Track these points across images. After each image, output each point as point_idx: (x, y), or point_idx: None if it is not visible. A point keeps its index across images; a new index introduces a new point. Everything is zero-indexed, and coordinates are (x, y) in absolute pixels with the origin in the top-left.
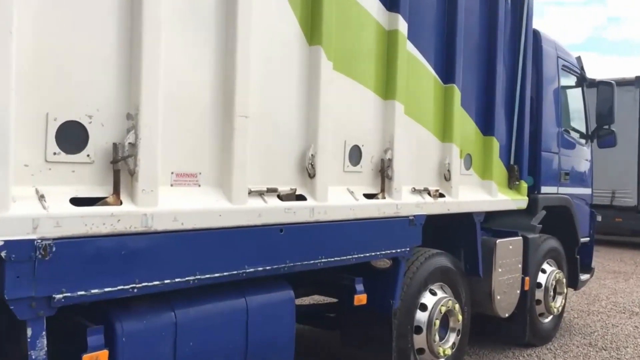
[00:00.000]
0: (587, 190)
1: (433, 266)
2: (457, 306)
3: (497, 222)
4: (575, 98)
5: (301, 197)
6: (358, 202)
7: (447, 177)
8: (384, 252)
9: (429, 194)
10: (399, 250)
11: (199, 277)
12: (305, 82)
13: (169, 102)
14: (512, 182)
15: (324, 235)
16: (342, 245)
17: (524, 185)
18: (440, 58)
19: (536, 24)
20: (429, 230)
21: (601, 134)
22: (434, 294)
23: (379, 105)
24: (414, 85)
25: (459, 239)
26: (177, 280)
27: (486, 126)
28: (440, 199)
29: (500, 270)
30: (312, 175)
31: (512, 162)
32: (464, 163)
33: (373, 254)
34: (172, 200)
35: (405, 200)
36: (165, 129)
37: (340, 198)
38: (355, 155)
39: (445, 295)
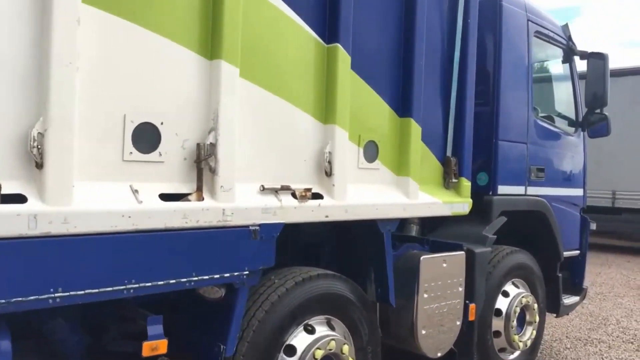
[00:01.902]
0: (575, 191)
1: (310, 293)
2: (346, 347)
3: (443, 232)
4: (562, 76)
5: (20, 198)
6: (142, 205)
7: (328, 172)
8: (197, 279)
9: (294, 194)
10: (227, 275)
11: None
12: (30, 18)
13: None
14: (448, 180)
15: (62, 256)
16: (104, 272)
17: (466, 184)
18: (317, 6)
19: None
20: (328, 245)
21: (592, 120)
22: (310, 331)
23: (199, 68)
24: (265, 39)
25: (366, 255)
26: None
27: (403, 105)
28: (313, 202)
29: (426, 295)
30: (40, 165)
31: (448, 153)
32: (364, 153)
33: (174, 281)
34: None
35: (243, 204)
36: None
37: (107, 200)
38: (148, 137)
39: (330, 333)
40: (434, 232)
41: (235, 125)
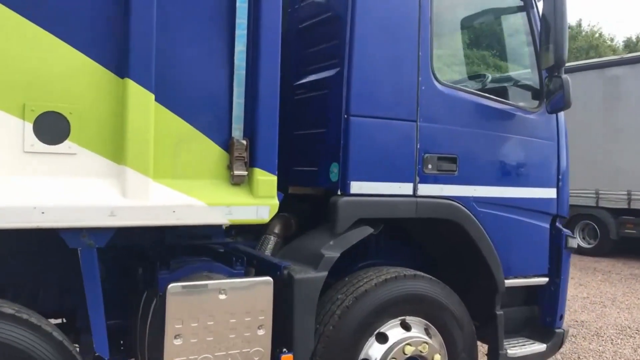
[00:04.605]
0: (537, 192)
1: None
2: None
3: (294, 246)
4: (518, 27)
5: None
6: None
7: None
8: None
9: None
10: None
11: None
12: None
13: None
14: (234, 172)
15: None
16: None
17: (262, 178)
18: None
19: None
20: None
21: (552, 88)
22: None
23: None
24: None
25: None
26: None
27: (121, 59)
28: None
29: (179, 342)
30: None
31: (235, 134)
32: (37, 131)
33: None
34: None
35: None
36: None
37: None
38: None
39: None
40: (288, 244)
41: None
